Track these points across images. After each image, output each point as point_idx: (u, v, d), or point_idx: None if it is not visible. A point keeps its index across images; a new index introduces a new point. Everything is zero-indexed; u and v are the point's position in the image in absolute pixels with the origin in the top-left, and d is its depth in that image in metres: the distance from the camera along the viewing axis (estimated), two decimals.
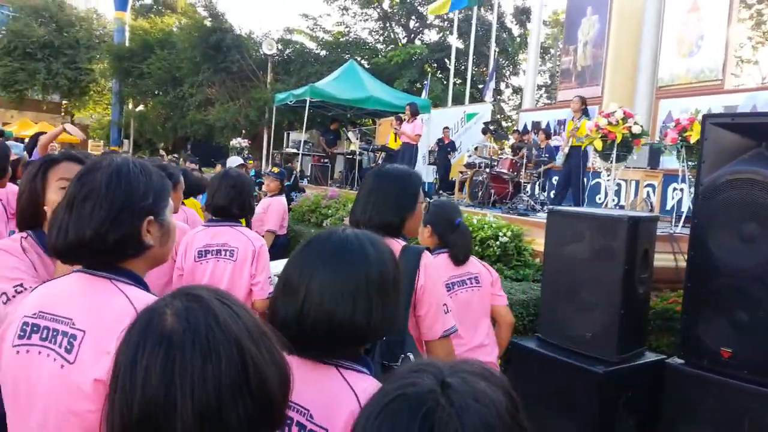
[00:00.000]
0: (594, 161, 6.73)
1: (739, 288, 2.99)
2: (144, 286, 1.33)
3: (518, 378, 3.55)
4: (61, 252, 1.29)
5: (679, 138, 4.61)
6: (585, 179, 8.61)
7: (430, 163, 12.69)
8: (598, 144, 5.13)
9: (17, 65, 28.80)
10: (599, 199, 10.07)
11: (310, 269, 1.23)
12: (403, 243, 2.00)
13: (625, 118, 5.06)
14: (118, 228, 1.26)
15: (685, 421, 3.07)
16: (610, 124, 5.00)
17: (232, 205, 2.99)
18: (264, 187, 6.04)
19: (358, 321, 1.21)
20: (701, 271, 3.12)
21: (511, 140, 12.14)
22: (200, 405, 0.81)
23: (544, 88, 27.89)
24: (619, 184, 10.10)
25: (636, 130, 5.05)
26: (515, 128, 14.68)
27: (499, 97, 26.01)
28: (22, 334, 1.27)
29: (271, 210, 5.74)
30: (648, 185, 9.42)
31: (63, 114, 33.04)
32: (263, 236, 3.84)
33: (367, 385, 1.21)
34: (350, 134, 12.57)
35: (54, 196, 1.72)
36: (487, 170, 10.10)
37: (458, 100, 18.41)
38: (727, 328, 3.01)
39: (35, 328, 1.27)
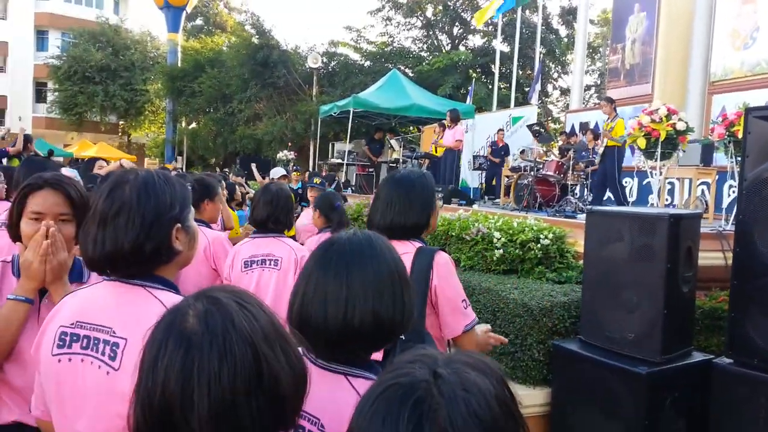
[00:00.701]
0: (638, 161, 6.59)
1: None
2: (176, 290, 1.42)
3: (561, 380, 3.52)
4: (98, 263, 1.38)
5: (727, 133, 4.45)
6: (621, 179, 8.47)
7: (474, 168, 12.62)
8: (642, 142, 5.01)
9: (77, 89, 30.29)
10: (651, 198, 9.81)
11: (343, 270, 1.25)
12: (418, 244, 2.06)
13: (669, 114, 4.93)
14: (152, 238, 1.35)
15: (734, 423, 2.98)
16: (653, 121, 4.88)
17: (268, 219, 3.10)
18: (309, 198, 6.15)
19: (397, 315, 1.25)
20: (747, 268, 3.03)
21: (559, 142, 12.00)
22: (216, 402, 0.86)
23: (593, 88, 27.35)
24: (672, 183, 9.83)
25: (680, 126, 4.91)
26: (563, 130, 14.46)
27: (546, 99, 25.64)
28: (61, 343, 1.36)
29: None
30: (702, 183, 9.12)
31: (120, 134, 34.47)
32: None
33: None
34: (393, 142, 12.64)
35: (26, 228, 1.75)
36: (533, 173, 9.99)
37: (504, 105, 18.25)
38: None
39: (75, 338, 1.35)
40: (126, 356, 1.28)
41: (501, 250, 4.44)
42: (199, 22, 36.04)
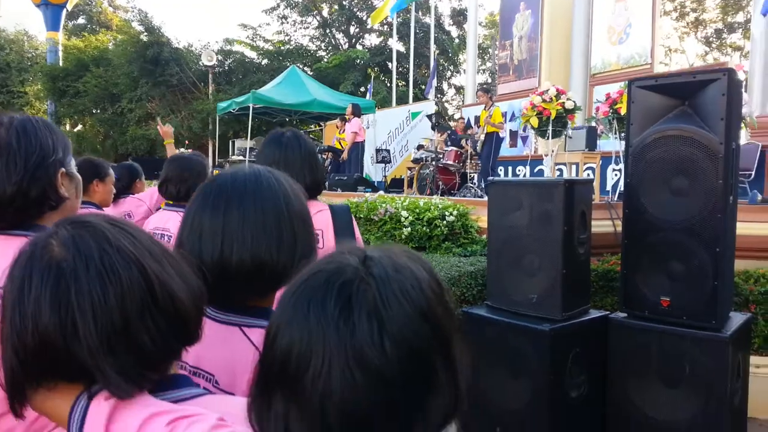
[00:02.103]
0: (530, 149, 6.94)
1: (672, 241, 3.14)
2: None
3: (473, 345, 3.63)
4: None
5: (611, 110, 4.81)
6: (496, 165, 9.10)
7: (377, 162, 12.76)
8: (534, 121, 5.29)
9: None
10: None
11: (222, 206, 1.13)
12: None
13: (558, 94, 5.24)
14: (37, 182, 1.26)
15: (631, 372, 3.20)
16: (544, 101, 5.17)
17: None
18: None
19: (283, 256, 1.13)
20: (637, 228, 3.26)
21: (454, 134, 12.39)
22: (106, 327, 0.79)
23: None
24: (560, 169, 10.44)
25: (569, 105, 5.24)
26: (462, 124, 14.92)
27: (441, 96, 26.40)
28: None
29: None
30: (588, 168, 9.72)
31: None
32: None
33: None
34: None
35: None
36: (434, 163, 10.25)
37: (402, 101, 18.59)
38: (665, 280, 3.16)
39: None
40: None
41: (409, 228, 4.52)
42: (81, 20, 33.97)
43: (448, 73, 26.48)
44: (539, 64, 13.09)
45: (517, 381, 3.34)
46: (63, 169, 1.33)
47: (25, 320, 0.79)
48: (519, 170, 11.63)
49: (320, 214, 2.04)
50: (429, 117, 10.57)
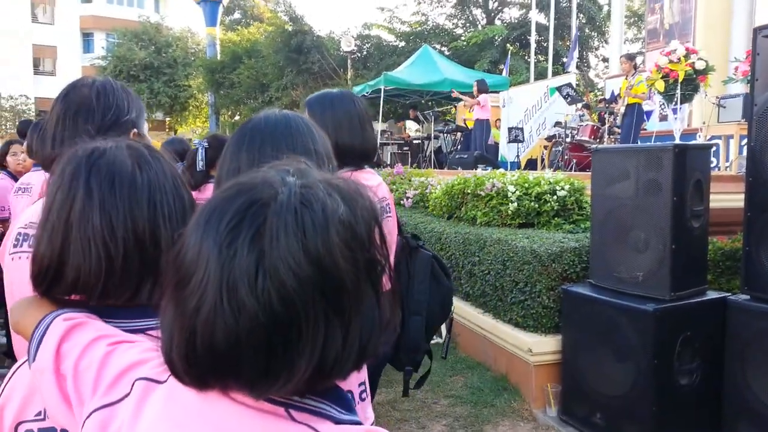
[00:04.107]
0: (673, 124, 6.28)
1: None
2: None
3: (571, 325, 3.43)
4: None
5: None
6: (637, 139, 8.20)
7: (509, 141, 12.37)
8: (660, 85, 4.79)
9: None
10: None
11: (257, 146, 1.22)
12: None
13: (688, 54, 4.70)
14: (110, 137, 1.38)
15: (753, 360, 2.84)
16: (671, 62, 4.66)
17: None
18: None
19: None
20: (761, 198, 2.87)
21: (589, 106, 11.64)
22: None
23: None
24: (716, 143, 9.42)
25: (700, 65, 4.67)
26: (601, 97, 14.05)
27: (587, 69, 24.92)
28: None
29: None
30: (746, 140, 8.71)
31: (167, 130, 35.33)
32: None
33: None
34: (408, 122, 12.59)
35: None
36: (567, 140, 9.74)
37: (542, 77, 17.81)
38: None
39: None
40: None
41: (516, 204, 4.35)
42: (237, 15, 36.52)
43: (596, 44, 24.89)
44: (693, 27, 11.86)
45: (621, 365, 3.12)
46: (135, 130, 1.44)
47: (119, 220, 0.91)
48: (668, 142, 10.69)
49: (382, 186, 1.99)
50: (559, 89, 10.05)
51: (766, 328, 2.82)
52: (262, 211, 0.62)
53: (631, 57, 8.89)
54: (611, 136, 9.70)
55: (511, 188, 4.42)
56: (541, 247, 3.58)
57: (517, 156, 13.08)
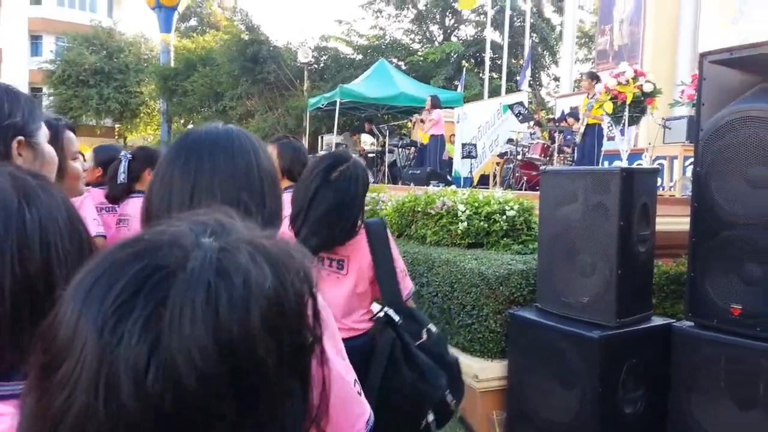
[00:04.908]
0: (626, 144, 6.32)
1: (748, 239, 2.72)
2: None
3: (517, 350, 3.35)
4: None
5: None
6: (600, 159, 8.24)
7: (463, 157, 12.43)
8: (609, 106, 4.82)
9: (71, 93, 30.19)
10: None
11: (193, 159, 1.09)
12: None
13: (636, 77, 4.75)
14: None
15: (696, 388, 2.80)
16: (620, 84, 4.70)
17: None
18: None
19: (250, 212, 1.05)
20: (706, 224, 2.85)
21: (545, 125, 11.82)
22: None
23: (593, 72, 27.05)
24: (661, 164, 9.64)
25: (647, 88, 4.72)
26: (550, 116, 14.30)
27: (539, 87, 25.43)
28: None
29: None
30: (690, 161, 8.92)
31: (116, 137, 34.36)
32: None
33: None
34: (363, 135, 12.58)
35: None
36: (518, 158, 9.81)
37: (496, 94, 18.04)
38: (737, 284, 2.74)
39: None
40: None
41: (465, 223, 4.27)
42: (193, 22, 35.94)
43: (547, 62, 25.44)
44: (641, 50, 12.18)
45: (566, 392, 3.04)
46: (21, 138, 1.25)
47: None
48: (616, 165, 10.88)
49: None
50: (511, 107, 10.14)
51: (710, 356, 2.79)
52: (165, 283, 0.47)
53: (593, 76, 8.87)
54: (560, 155, 9.82)
55: (461, 207, 4.34)
56: (488, 270, 3.49)
57: (470, 172, 13.15)
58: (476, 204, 4.40)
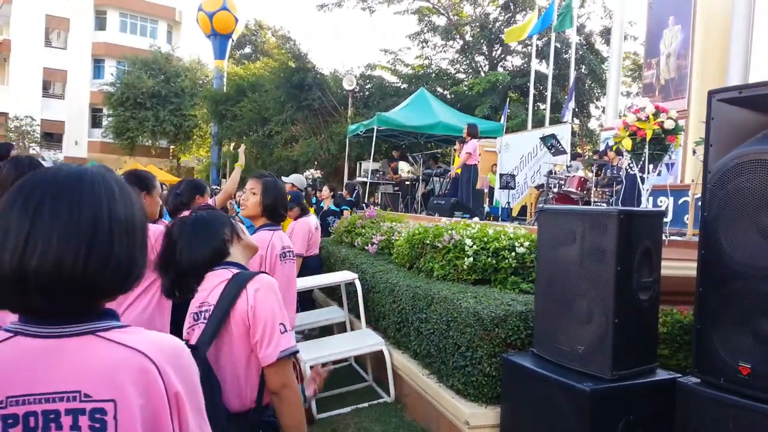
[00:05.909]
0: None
1: (758, 291, 2.49)
2: None
3: (511, 398, 3.16)
4: None
5: None
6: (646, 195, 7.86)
7: (501, 188, 12.19)
8: (627, 143, 4.59)
9: (128, 114, 31.44)
10: (687, 219, 9.16)
11: (34, 202, 1.01)
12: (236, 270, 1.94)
13: (657, 113, 4.51)
14: None
15: None
16: (639, 120, 4.48)
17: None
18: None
19: (91, 267, 1.00)
20: (714, 274, 2.63)
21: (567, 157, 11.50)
22: None
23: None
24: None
25: (669, 125, 4.47)
26: (595, 149, 13.94)
27: (588, 119, 24.94)
28: None
29: (295, 233, 5.74)
30: None
31: (170, 158, 35.45)
32: None
33: (141, 337, 1.05)
34: (401, 163, 12.50)
35: None
36: (554, 190, 9.55)
37: (541, 124, 17.77)
38: (747, 340, 2.51)
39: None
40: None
41: (471, 258, 4.11)
42: (248, 50, 37.02)
43: (597, 95, 24.94)
44: (689, 84, 11.80)
45: None
46: None
47: None
48: (661, 201, 10.43)
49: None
50: (542, 139, 9.92)
51: (717, 418, 2.55)
52: None
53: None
54: (599, 189, 9.50)
55: (468, 242, 4.19)
56: (485, 309, 3.32)
57: (508, 203, 12.91)
58: (485, 239, 4.24)
